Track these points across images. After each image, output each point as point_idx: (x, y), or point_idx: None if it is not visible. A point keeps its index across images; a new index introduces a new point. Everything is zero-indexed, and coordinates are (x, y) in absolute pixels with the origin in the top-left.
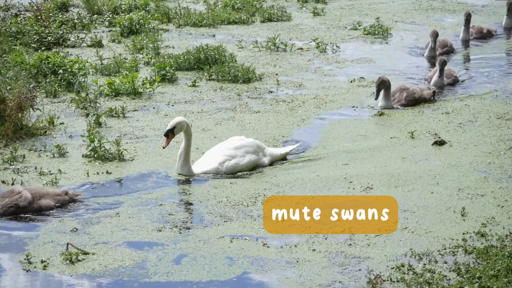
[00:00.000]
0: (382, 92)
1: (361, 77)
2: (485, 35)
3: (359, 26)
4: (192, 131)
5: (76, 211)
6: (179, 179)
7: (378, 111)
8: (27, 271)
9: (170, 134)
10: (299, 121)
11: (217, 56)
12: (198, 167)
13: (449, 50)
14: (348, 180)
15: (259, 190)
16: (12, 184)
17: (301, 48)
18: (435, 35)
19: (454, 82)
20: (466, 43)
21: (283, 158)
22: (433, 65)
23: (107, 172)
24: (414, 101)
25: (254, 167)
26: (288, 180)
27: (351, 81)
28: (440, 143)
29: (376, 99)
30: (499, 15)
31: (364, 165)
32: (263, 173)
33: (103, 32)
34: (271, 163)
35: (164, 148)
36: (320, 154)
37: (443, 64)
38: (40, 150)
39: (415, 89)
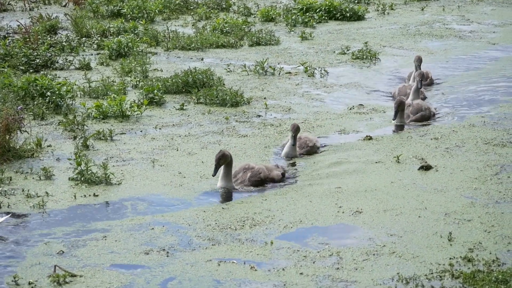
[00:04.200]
0: (222, 169)
1: (360, 104)
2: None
3: (347, 50)
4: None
5: (62, 233)
6: (167, 202)
7: (367, 136)
8: None
9: None
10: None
11: (205, 79)
12: None
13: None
14: (338, 205)
15: (249, 214)
16: (213, 175)
17: (289, 72)
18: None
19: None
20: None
21: None
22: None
23: (94, 195)
24: (259, 181)
25: None
26: (280, 205)
27: (350, 108)
28: (426, 168)
29: (213, 175)
30: (483, 42)
31: (357, 189)
32: (255, 198)
33: (92, 55)
34: None
35: None
36: (310, 179)
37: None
38: (27, 172)
39: (261, 168)
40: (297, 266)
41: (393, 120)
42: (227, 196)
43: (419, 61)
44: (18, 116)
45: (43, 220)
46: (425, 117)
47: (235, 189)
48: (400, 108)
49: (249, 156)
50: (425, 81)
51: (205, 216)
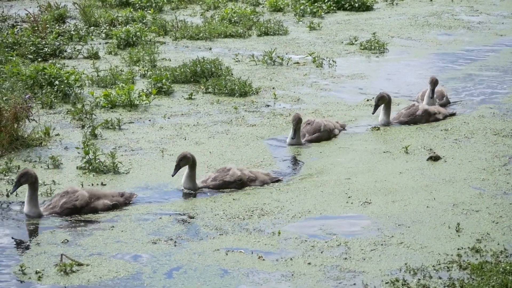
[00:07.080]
0: (27, 192)
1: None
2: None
3: (356, 41)
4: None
5: (68, 223)
6: (175, 192)
7: (375, 126)
8: (21, 281)
9: None
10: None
11: (213, 69)
12: None
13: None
14: (348, 195)
15: (258, 204)
16: (7, 195)
17: (298, 62)
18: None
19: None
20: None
21: None
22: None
23: (102, 184)
24: (73, 209)
25: None
26: (289, 196)
27: (367, 100)
28: (434, 158)
29: (10, 193)
30: (492, 33)
31: (365, 179)
32: (264, 188)
33: (100, 44)
34: None
35: None
36: (319, 169)
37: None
38: (35, 161)
39: (81, 194)
40: (305, 256)
41: (290, 139)
42: (33, 225)
43: (433, 83)
44: (26, 104)
45: None
46: (323, 138)
47: (42, 216)
48: (297, 126)
49: (251, 148)
50: (441, 99)
51: (213, 206)
